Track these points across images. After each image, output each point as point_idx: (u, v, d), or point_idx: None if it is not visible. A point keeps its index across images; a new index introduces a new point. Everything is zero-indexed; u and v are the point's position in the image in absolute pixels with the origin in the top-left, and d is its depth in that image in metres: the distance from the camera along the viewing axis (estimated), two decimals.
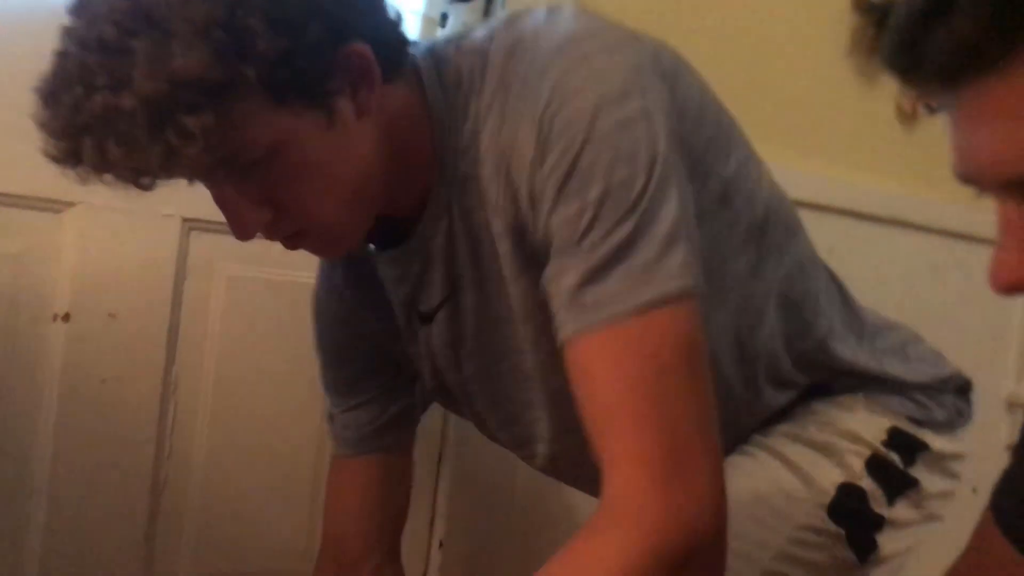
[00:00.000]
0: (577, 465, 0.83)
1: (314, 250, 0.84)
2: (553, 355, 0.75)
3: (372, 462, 1.06)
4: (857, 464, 0.85)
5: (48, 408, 1.24)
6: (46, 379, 1.24)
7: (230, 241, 1.33)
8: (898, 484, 0.86)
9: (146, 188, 0.75)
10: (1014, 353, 2.06)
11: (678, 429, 0.65)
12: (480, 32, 0.81)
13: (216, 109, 0.68)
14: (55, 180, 1.21)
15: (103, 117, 0.66)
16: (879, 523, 0.84)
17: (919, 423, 0.89)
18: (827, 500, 0.84)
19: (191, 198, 1.29)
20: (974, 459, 1.96)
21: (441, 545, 1.51)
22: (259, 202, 0.75)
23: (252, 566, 1.39)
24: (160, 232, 1.29)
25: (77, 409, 1.25)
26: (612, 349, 0.67)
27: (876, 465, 0.86)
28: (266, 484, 1.39)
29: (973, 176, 0.45)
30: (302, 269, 1.39)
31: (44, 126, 0.70)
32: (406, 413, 1.07)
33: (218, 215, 1.31)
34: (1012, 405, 2.05)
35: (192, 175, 0.75)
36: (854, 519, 0.83)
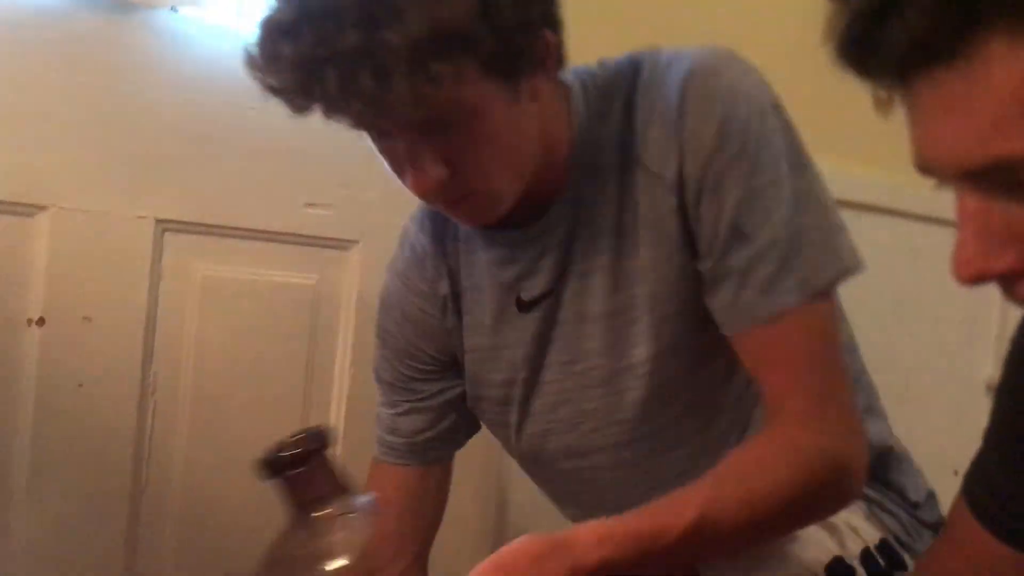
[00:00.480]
0: (620, 482, 0.90)
1: (470, 214, 0.87)
2: (632, 361, 0.86)
3: (413, 474, 1.05)
4: (854, 549, 0.88)
5: (24, 414, 1.22)
6: (21, 385, 1.22)
7: (204, 241, 1.34)
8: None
9: (358, 123, 0.79)
10: (993, 337, 2.07)
11: (842, 383, 0.83)
12: (619, 57, 0.90)
13: (456, 62, 0.73)
14: (26, 184, 1.21)
15: (361, 50, 0.70)
16: None
17: (903, 545, 0.92)
18: (826, 562, 0.86)
19: (164, 199, 1.30)
20: (955, 442, 1.98)
21: None
22: (441, 160, 0.79)
23: (235, 569, 1.38)
24: (133, 234, 1.28)
25: (54, 414, 1.24)
26: (799, 322, 0.80)
27: (868, 558, 0.88)
28: (248, 486, 1.37)
29: (930, 167, 0.45)
30: (277, 268, 1.39)
31: (277, 58, 0.74)
32: (454, 431, 1.06)
33: (192, 215, 1.32)
34: (991, 388, 2.06)
35: (402, 122, 0.77)
36: None
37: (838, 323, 0.84)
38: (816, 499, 0.81)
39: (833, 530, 0.88)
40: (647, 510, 0.75)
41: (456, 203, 0.84)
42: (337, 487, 0.70)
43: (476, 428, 1.08)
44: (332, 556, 0.68)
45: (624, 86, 0.86)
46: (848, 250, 0.83)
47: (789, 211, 0.81)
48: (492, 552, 1.62)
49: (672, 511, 0.74)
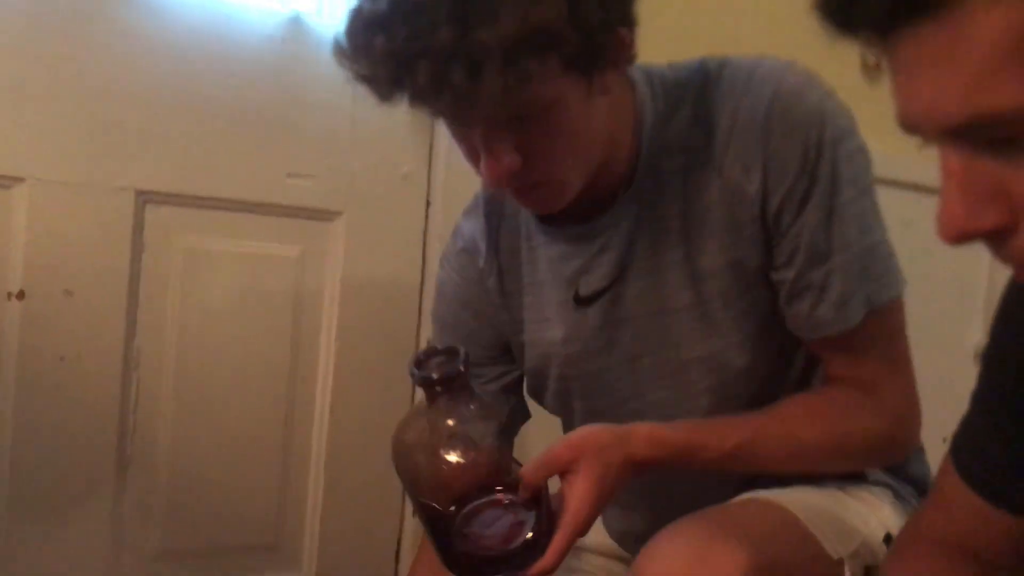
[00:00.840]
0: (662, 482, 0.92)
1: (538, 201, 0.89)
2: (714, 349, 0.91)
3: None
4: (879, 532, 0.92)
5: (6, 388, 1.21)
6: (2, 359, 1.21)
7: (186, 213, 1.32)
8: None
9: (443, 115, 0.83)
10: (981, 304, 2.07)
11: (904, 369, 0.93)
12: (689, 61, 0.93)
13: (544, 60, 0.76)
14: (2, 156, 1.19)
15: (454, 47, 0.72)
16: None
17: None
18: (882, 533, 0.91)
19: (143, 170, 1.28)
20: (944, 409, 1.99)
21: (415, 514, 1.50)
22: (515, 149, 0.82)
23: (222, 540, 1.38)
24: (113, 205, 1.26)
25: (36, 389, 1.23)
26: (867, 330, 0.88)
27: (889, 542, 0.92)
28: (234, 457, 1.38)
29: (913, 125, 0.44)
30: (260, 240, 1.37)
31: (369, 49, 0.77)
32: (511, 416, 1.08)
33: (172, 187, 1.30)
34: (979, 356, 2.07)
35: (488, 117, 0.80)
36: None
37: (903, 318, 0.91)
38: (859, 455, 0.91)
39: (873, 509, 0.94)
40: (698, 426, 0.86)
41: (526, 191, 0.87)
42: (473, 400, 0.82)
43: (528, 416, 1.12)
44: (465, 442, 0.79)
45: (694, 91, 0.90)
46: (897, 269, 0.90)
47: (861, 232, 0.87)
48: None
49: (717, 433, 0.85)
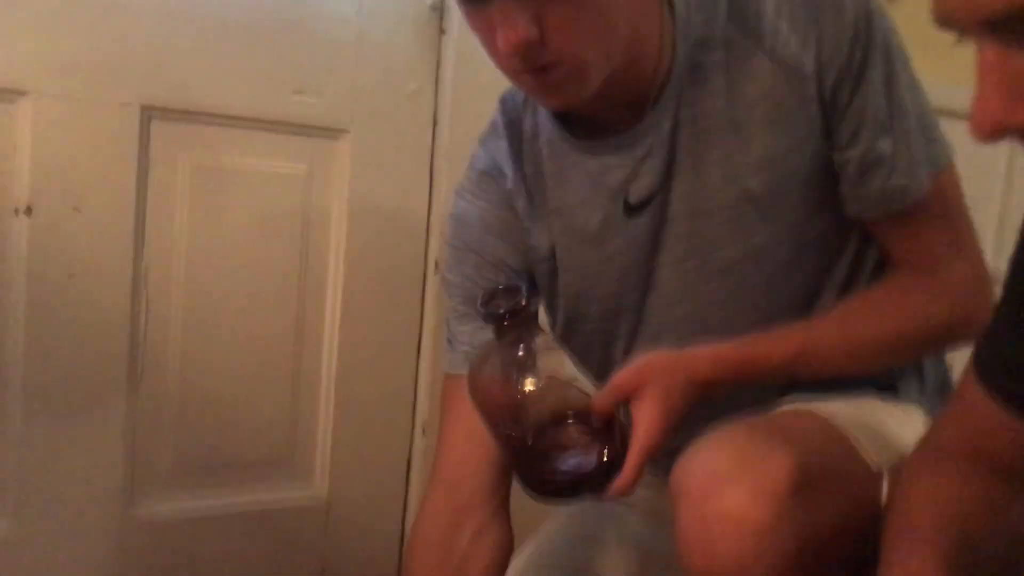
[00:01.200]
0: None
1: (555, 87, 0.85)
2: (747, 251, 0.90)
3: None
4: None
5: (16, 304, 1.22)
6: (12, 275, 1.21)
7: (191, 130, 1.31)
8: None
9: None
10: (992, 229, 2.06)
11: (969, 236, 0.93)
12: None
13: None
14: (5, 69, 1.17)
15: None
16: None
17: None
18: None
19: (148, 85, 1.26)
20: None
21: (424, 431, 1.53)
22: (534, 22, 0.80)
23: (234, 456, 1.41)
24: (119, 121, 1.25)
25: (47, 305, 1.23)
26: (942, 188, 0.89)
27: None
28: (244, 372, 1.39)
29: (949, 17, 0.43)
30: (266, 158, 1.37)
31: None
32: None
33: (177, 103, 1.29)
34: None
35: None
36: None
37: (962, 192, 0.92)
38: (925, 343, 0.92)
39: (907, 424, 0.93)
40: (757, 339, 0.86)
41: (542, 72, 0.83)
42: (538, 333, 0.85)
43: None
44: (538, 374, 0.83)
45: None
46: (943, 135, 0.91)
47: (915, 98, 0.88)
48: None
49: (776, 343, 0.86)
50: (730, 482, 0.71)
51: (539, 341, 0.84)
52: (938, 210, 0.90)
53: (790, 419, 0.85)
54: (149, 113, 1.27)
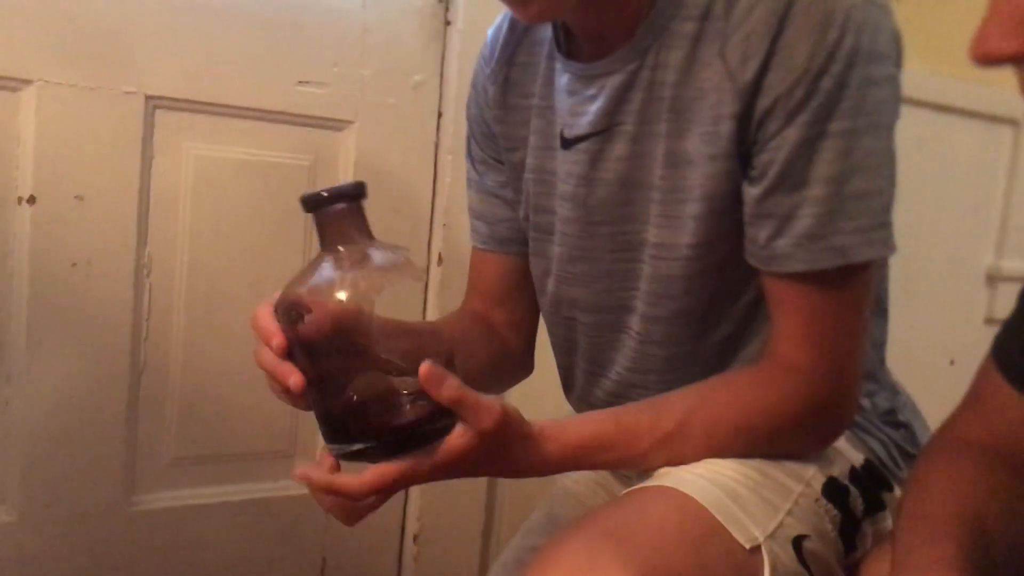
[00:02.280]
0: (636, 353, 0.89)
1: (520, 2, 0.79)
2: (668, 241, 0.83)
3: (509, 260, 1.02)
4: (843, 468, 0.86)
5: (19, 293, 1.22)
6: (15, 264, 1.22)
7: (196, 120, 1.31)
8: (873, 502, 0.86)
9: None
10: (995, 226, 2.06)
11: (853, 349, 0.81)
12: None
13: None
14: (9, 57, 1.17)
15: None
16: (858, 526, 0.85)
17: (886, 467, 0.90)
18: (822, 481, 0.84)
19: (153, 75, 1.26)
20: (953, 331, 1.99)
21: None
22: None
23: (236, 448, 1.41)
24: (123, 111, 1.25)
25: (49, 294, 1.23)
26: (830, 283, 0.78)
27: (856, 477, 0.87)
28: (247, 364, 1.38)
29: None
30: (271, 149, 1.36)
31: None
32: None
33: (182, 92, 1.28)
34: (991, 278, 2.06)
35: None
36: (842, 509, 0.84)
37: (872, 288, 0.81)
38: (783, 444, 0.82)
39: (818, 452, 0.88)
40: (613, 431, 0.78)
41: None
42: (366, 234, 0.76)
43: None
44: (343, 286, 0.73)
45: None
46: (889, 231, 0.78)
47: (850, 170, 0.75)
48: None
49: (632, 432, 0.78)
50: None
51: (372, 252, 0.75)
52: (839, 298, 0.79)
53: (647, 506, 0.76)
54: (153, 103, 1.27)
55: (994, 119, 1.99)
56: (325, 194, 0.74)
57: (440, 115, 1.48)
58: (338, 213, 0.75)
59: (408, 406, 0.71)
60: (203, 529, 1.38)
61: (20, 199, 1.21)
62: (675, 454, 0.79)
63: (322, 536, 1.47)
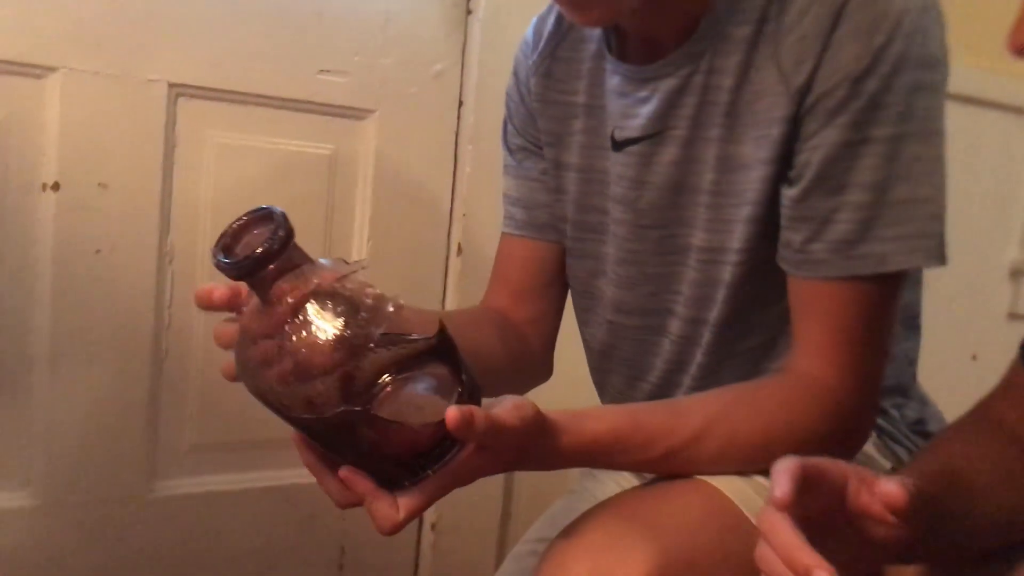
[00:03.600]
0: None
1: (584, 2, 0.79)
2: (716, 245, 0.82)
3: (543, 248, 1.00)
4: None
5: (43, 280, 1.23)
6: (39, 251, 1.22)
7: (218, 108, 1.31)
8: None
9: None
10: (1019, 221, 2.04)
11: (876, 362, 0.79)
12: None
13: None
14: (35, 44, 1.18)
15: None
16: None
17: None
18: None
19: (176, 62, 1.27)
20: (975, 326, 1.98)
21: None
22: None
23: (256, 435, 1.41)
24: (146, 98, 1.25)
25: (73, 281, 1.24)
26: (862, 292, 0.76)
27: None
28: None
29: None
30: (292, 138, 1.37)
31: None
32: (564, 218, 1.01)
33: (205, 80, 1.29)
34: (1015, 273, 2.04)
35: None
36: None
37: (900, 298, 0.79)
38: (810, 456, 0.79)
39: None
40: (630, 422, 0.75)
41: None
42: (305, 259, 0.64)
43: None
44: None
45: None
46: (937, 241, 0.75)
47: (894, 177, 0.73)
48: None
49: (648, 435, 0.75)
50: None
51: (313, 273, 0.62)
52: (871, 308, 0.77)
53: (673, 494, 0.76)
54: (176, 91, 1.28)
55: (1020, 111, 1.97)
56: (260, 250, 0.61)
57: (461, 104, 1.48)
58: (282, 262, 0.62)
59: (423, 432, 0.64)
60: (223, 516, 1.39)
61: (44, 186, 1.21)
62: (688, 464, 0.77)
63: (341, 524, 1.48)
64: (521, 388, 1.04)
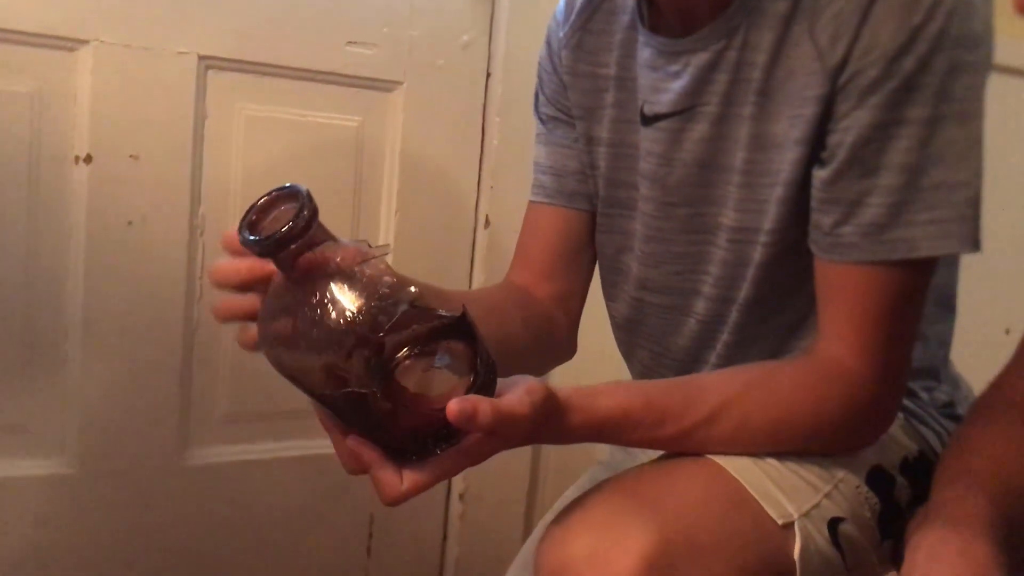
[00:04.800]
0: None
1: None
2: (748, 225, 0.81)
3: (573, 217, 0.98)
4: (894, 458, 0.84)
5: (76, 251, 1.25)
6: (72, 222, 1.24)
7: (247, 80, 1.32)
8: (924, 494, 0.80)
9: None
10: None
11: (902, 347, 0.77)
12: None
13: None
14: (66, 17, 1.19)
15: None
16: (901, 516, 0.82)
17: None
18: (867, 468, 0.82)
19: (205, 35, 1.27)
20: (1006, 301, 1.95)
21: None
22: None
23: (287, 404, 1.42)
24: (176, 71, 1.26)
25: (105, 252, 1.26)
26: (890, 277, 0.74)
27: (907, 468, 0.85)
28: None
29: None
30: (320, 110, 1.37)
31: None
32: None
33: (234, 52, 1.29)
34: None
35: None
36: (884, 498, 0.82)
37: (929, 283, 0.77)
38: (816, 446, 0.79)
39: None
40: (642, 400, 0.74)
41: None
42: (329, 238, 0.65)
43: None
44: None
45: None
46: (971, 226, 0.73)
47: (927, 160, 0.71)
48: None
49: (660, 413, 0.74)
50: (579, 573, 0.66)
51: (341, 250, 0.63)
52: (898, 295, 0.75)
53: (678, 472, 0.75)
54: (206, 62, 1.28)
55: None
56: (284, 229, 0.62)
57: (488, 76, 1.48)
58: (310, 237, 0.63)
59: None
60: (254, 484, 1.41)
61: (77, 158, 1.22)
62: (700, 444, 0.76)
63: (370, 493, 1.48)
64: (545, 368, 1.04)
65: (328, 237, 0.65)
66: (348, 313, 0.61)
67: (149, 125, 1.25)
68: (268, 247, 0.62)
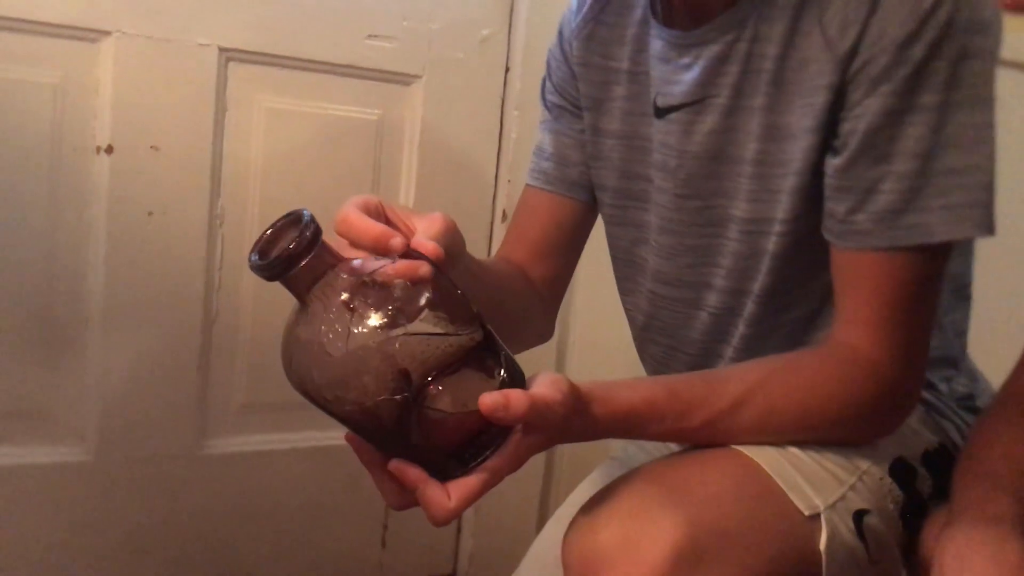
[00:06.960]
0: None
1: None
2: (760, 216, 0.81)
3: (571, 206, 1.00)
4: (915, 450, 0.84)
5: (97, 240, 1.26)
6: (93, 212, 1.25)
7: (267, 72, 1.33)
8: (944, 486, 0.82)
9: None
10: None
11: (921, 332, 0.78)
12: None
13: None
14: (87, 8, 1.20)
15: None
16: (924, 508, 0.82)
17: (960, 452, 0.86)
18: (890, 460, 0.82)
19: (226, 27, 1.28)
20: None
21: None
22: None
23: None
24: (197, 63, 1.27)
25: (126, 242, 1.27)
26: (906, 263, 0.75)
27: (928, 459, 0.85)
28: None
29: None
30: (340, 103, 1.37)
31: None
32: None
33: (254, 45, 1.30)
34: None
35: None
36: (907, 490, 0.82)
37: (945, 269, 0.77)
38: (839, 435, 0.79)
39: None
40: (664, 393, 0.74)
41: None
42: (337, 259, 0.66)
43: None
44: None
45: None
46: (985, 211, 0.73)
47: (940, 146, 0.71)
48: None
49: (685, 404, 0.74)
50: (607, 564, 0.66)
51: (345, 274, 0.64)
52: (915, 282, 0.75)
53: (707, 463, 0.75)
54: (227, 55, 1.29)
55: None
56: (286, 250, 0.63)
57: (507, 70, 1.48)
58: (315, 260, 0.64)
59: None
60: (271, 474, 1.42)
61: (99, 148, 1.24)
62: (725, 434, 0.76)
63: None
64: (521, 347, 1.01)
65: (336, 258, 0.66)
66: (364, 331, 0.62)
67: (170, 117, 1.26)
68: (273, 269, 0.63)
